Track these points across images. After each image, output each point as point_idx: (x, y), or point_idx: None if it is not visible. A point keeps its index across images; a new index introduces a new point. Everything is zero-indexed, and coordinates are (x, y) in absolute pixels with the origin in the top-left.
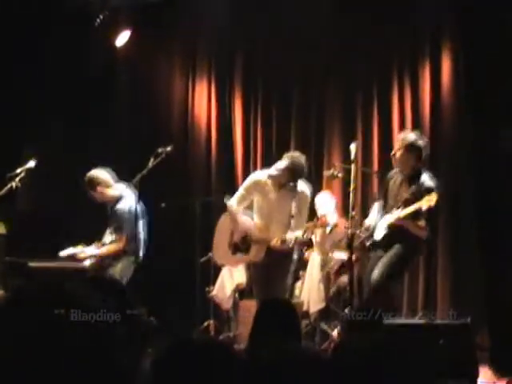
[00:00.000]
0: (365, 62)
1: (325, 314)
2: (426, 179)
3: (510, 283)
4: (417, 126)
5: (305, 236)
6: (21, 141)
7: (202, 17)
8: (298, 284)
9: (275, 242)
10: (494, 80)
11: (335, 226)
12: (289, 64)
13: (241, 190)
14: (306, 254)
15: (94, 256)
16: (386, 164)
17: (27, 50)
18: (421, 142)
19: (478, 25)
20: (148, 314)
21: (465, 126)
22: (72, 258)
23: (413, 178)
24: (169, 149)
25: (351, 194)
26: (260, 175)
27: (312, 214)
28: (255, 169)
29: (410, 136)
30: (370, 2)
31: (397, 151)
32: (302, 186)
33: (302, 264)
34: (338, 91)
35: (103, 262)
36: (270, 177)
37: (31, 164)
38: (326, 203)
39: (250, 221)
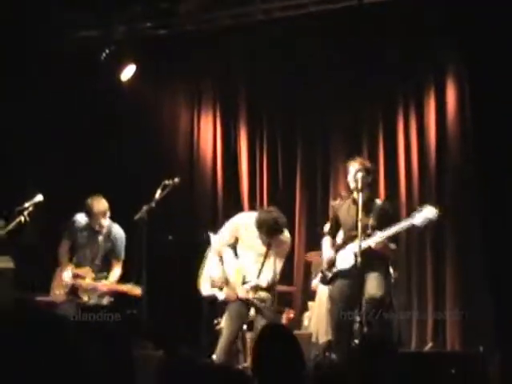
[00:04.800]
0: (370, 93)
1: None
2: (380, 203)
3: None
4: (422, 155)
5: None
6: (24, 175)
7: (208, 50)
8: (307, 314)
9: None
10: (499, 108)
11: None
12: (293, 95)
13: (224, 230)
14: (314, 283)
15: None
16: (392, 192)
17: (31, 83)
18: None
19: (484, 53)
20: (155, 347)
21: (471, 155)
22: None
23: (367, 203)
24: (176, 181)
25: (359, 224)
26: (243, 218)
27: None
28: (261, 199)
29: (367, 162)
30: (374, 32)
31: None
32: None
33: (310, 295)
34: (343, 121)
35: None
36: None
37: (39, 198)
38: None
39: (231, 264)
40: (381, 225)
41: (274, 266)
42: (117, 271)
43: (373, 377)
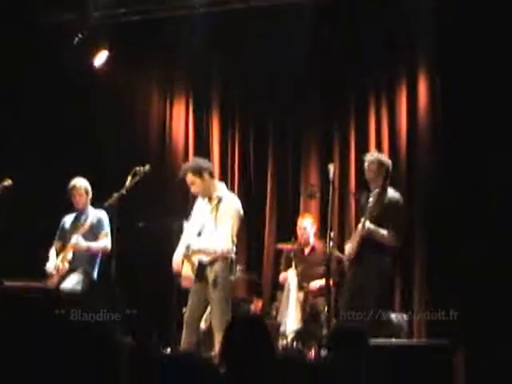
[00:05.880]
0: (342, 85)
1: (301, 334)
2: (392, 192)
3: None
4: (393, 148)
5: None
6: None
7: (181, 37)
8: (275, 304)
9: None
10: (470, 103)
11: (313, 248)
12: (266, 84)
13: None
14: (282, 275)
15: (89, 247)
16: (362, 186)
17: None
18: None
19: (455, 47)
20: (123, 334)
21: (441, 149)
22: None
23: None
24: (146, 168)
25: (329, 215)
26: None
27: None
28: (232, 189)
29: (380, 155)
30: (346, 25)
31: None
32: (228, 197)
33: (279, 285)
34: (315, 112)
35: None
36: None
37: (8, 182)
38: (308, 228)
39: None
40: (387, 214)
41: (224, 231)
42: (101, 241)
43: (342, 367)
